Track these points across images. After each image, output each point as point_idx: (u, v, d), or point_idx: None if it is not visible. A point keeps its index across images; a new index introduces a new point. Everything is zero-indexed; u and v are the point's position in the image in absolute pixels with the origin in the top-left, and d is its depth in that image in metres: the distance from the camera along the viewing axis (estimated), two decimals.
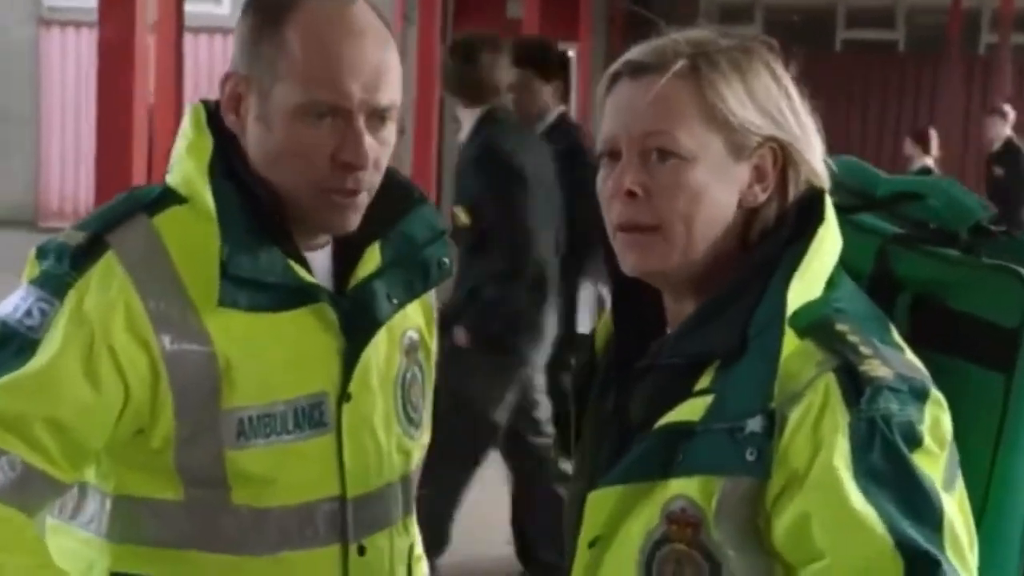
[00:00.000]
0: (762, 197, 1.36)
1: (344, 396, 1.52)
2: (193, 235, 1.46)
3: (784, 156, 1.36)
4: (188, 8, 5.86)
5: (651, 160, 1.34)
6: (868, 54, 14.21)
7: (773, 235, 1.35)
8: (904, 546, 1.18)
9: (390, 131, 1.51)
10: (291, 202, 1.49)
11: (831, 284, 1.34)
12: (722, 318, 1.32)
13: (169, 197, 1.51)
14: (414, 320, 1.66)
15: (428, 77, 6.54)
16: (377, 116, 1.48)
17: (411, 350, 1.64)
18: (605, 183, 1.38)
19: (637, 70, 1.36)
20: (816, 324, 1.29)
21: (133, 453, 1.47)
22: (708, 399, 1.28)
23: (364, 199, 1.51)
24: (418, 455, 1.66)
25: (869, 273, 1.43)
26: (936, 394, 1.28)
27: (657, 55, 1.36)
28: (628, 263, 1.37)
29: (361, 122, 1.46)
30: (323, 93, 1.44)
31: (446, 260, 1.63)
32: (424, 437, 1.68)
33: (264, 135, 1.48)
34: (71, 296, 1.42)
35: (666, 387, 1.33)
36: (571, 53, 14.34)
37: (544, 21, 9.67)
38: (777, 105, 1.36)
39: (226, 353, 1.45)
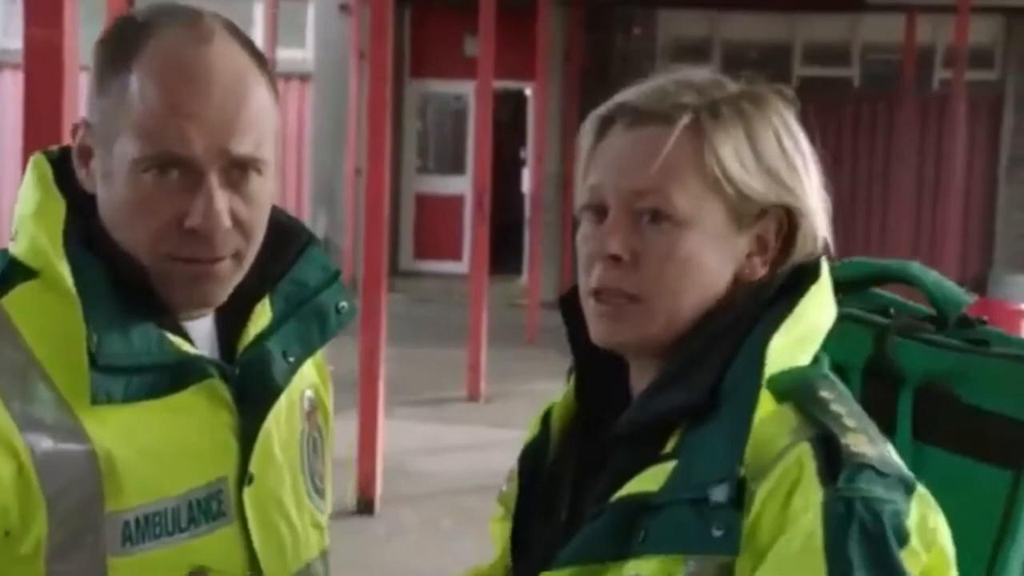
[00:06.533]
0: (761, 271, 1.21)
1: (244, 478, 1.33)
2: (50, 317, 1.25)
3: (789, 224, 1.21)
4: None
5: (642, 222, 1.19)
6: (824, 90, 14.28)
7: (755, 293, 1.20)
8: None
9: (260, 185, 1.29)
10: (148, 269, 1.29)
11: (816, 361, 1.19)
12: (690, 376, 1.16)
13: (14, 272, 1.28)
14: (310, 379, 1.48)
15: (379, 114, 6.47)
16: (237, 168, 1.27)
17: (311, 412, 1.47)
18: (587, 241, 1.22)
19: (635, 119, 1.20)
20: (797, 387, 1.14)
21: None
22: (670, 465, 1.12)
23: (228, 268, 1.30)
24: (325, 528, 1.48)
25: (863, 366, 1.30)
26: (924, 491, 1.11)
27: (657, 103, 1.20)
28: (598, 332, 1.22)
29: (214, 178, 1.25)
30: (163, 143, 1.24)
31: (344, 304, 1.44)
32: (328, 508, 1.49)
33: (109, 193, 1.28)
34: None
35: (630, 456, 1.17)
36: (527, 92, 14.41)
37: (500, 60, 9.62)
38: (788, 165, 1.21)
39: (107, 450, 1.24)
